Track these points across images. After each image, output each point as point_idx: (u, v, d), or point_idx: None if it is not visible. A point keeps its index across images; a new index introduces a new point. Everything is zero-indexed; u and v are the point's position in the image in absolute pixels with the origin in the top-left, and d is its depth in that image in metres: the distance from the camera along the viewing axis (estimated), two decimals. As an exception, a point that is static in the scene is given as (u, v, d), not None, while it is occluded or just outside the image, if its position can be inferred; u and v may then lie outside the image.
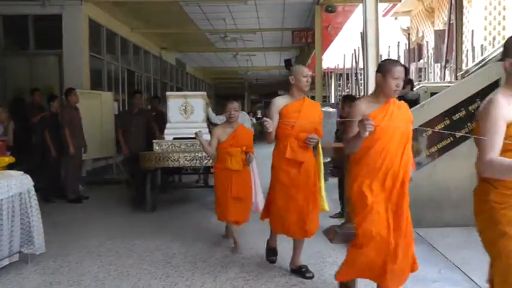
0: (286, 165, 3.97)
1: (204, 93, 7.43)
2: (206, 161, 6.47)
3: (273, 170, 4.12)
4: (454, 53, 9.80)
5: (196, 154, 6.47)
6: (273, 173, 4.11)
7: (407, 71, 8.31)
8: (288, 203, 3.96)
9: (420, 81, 12.03)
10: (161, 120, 7.84)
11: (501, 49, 8.29)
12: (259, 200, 5.09)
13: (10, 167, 4.68)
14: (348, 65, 16.06)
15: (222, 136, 4.77)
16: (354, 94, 12.88)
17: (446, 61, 10.88)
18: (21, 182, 4.34)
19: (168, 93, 7.43)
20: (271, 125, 3.87)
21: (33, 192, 4.49)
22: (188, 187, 8.93)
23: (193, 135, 6.47)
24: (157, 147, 6.81)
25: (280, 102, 4.05)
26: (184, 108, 7.04)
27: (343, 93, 15.40)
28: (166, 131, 7.06)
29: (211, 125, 7.89)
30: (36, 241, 4.45)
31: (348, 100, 6.63)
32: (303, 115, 3.96)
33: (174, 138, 6.93)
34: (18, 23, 10.03)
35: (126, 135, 7.42)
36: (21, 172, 4.51)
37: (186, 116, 7.06)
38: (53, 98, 8.02)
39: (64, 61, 9.85)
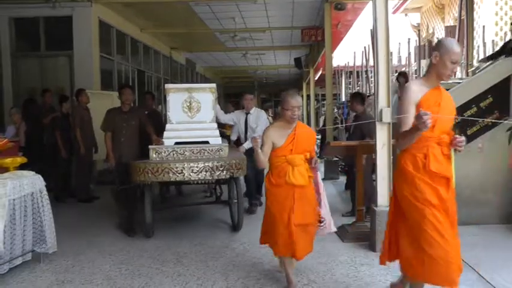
0: (432, 179, 2.89)
1: (213, 85, 5.84)
2: (219, 172, 5.08)
3: (409, 185, 2.94)
4: (465, 49, 9.70)
5: (206, 164, 5.05)
6: (408, 189, 2.94)
7: (362, 97, 6.71)
8: (437, 233, 2.86)
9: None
10: (156, 120, 6.82)
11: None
12: (328, 218, 3.95)
13: (22, 167, 4.72)
14: (358, 63, 15.98)
15: (279, 139, 3.58)
16: (363, 92, 12.79)
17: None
18: (33, 182, 4.39)
19: (167, 85, 5.79)
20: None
21: (45, 192, 4.53)
22: (194, 204, 7.26)
23: (201, 139, 5.52)
24: (154, 155, 5.33)
25: (417, 88, 2.93)
26: (188, 104, 5.57)
27: (354, 91, 15.33)
28: (166, 134, 5.57)
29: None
30: (48, 240, 4.49)
31: (358, 98, 6.60)
32: (444, 110, 2.89)
33: (176, 143, 5.49)
34: (29, 25, 10.13)
35: (116, 139, 5.88)
36: (33, 172, 4.55)
37: (191, 115, 5.60)
38: (64, 98, 8.10)
39: (75, 62, 9.92)
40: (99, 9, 10.32)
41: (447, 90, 3.16)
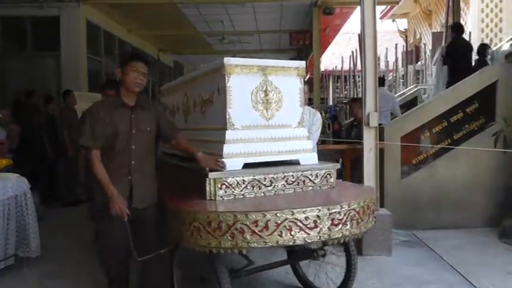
0: None
1: (301, 63, 3.42)
2: (367, 218, 2.81)
3: None
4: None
5: (352, 206, 2.73)
6: None
7: None
8: None
9: (418, 83, 12.05)
10: None
11: (498, 52, 8.33)
12: None
13: (13, 169, 4.66)
14: (346, 67, 16.08)
15: None
16: (351, 96, 12.88)
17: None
18: (17, 185, 4.33)
19: (228, 60, 3.07)
20: None
21: (29, 195, 4.48)
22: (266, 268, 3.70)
23: (285, 158, 3.22)
24: (220, 191, 2.90)
25: None
26: (263, 96, 3.18)
27: (341, 95, 15.43)
28: (226, 149, 3.01)
29: None
30: (32, 244, 4.42)
31: (359, 102, 6.54)
32: None
33: (246, 166, 3.03)
34: (16, 24, 10.01)
35: (118, 162, 2.96)
36: (17, 175, 4.49)
37: (268, 115, 3.20)
38: (50, 99, 8.02)
39: (62, 63, 9.83)
40: (86, 9, 10.24)
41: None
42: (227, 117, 3.05)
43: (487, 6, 12.39)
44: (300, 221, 2.53)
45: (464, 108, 5.71)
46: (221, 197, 2.87)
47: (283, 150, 3.21)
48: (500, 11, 12.34)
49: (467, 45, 7.72)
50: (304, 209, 2.56)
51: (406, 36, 17.85)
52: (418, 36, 16.58)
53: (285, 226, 2.51)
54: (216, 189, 2.87)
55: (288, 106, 3.27)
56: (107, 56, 11.87)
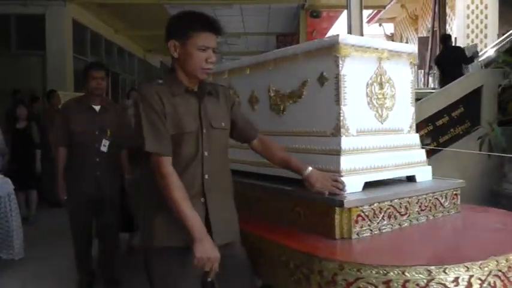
0: None
1: (414, 48, 2.52)
2: None
3: None
4: (437, 60, 9.91)
5: None
6: None
7: None
8: None
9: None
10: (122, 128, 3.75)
11: (483, 57, 8.48)
12: None
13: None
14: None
15: None
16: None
17: (430, 68, 11.02)
18: (0, 186, 4.26)
19: (343, 38, 2.06)
20: None
21: (13, 196, 4.41)
22: None
23: (402, 173, 2.39)
24: (356, 227, 1.95)
25: None
26: (379, 89, 2.23)
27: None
28: (344, 162, 2.05)
29: None
30: (15, 246, 4.36)
31: None
32: None
33: (367, 186, 2.10)
34: (0, 22, 9.87)
35: (178, 172, 1.84)
36: (2, 176, 4.43)
37: (383, 115, 2.28)
38: (36, 99, 7.93)
39: (47, 62, 9.72)
40: (73, 9, 10.15)
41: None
42: (341, 118, 2.09)
43: (472, 12, 12.57)
44: (503, 274, 1.73)
45: (450, 112, 5.77)
46: (357, 234, 1.95)
47: (400, 163, 2.33)
48: (486, 17, 12.53)
49: (457, 53, 7.83)
50: (506, 255, 1.75)
51: (393, 40, 18.03)
52: (404, 41, 16.76)
53: (489, 283, 1.70)
54: (352, 223, 1.94)
55: (400, 104, 2.39)
56: (93, 56, 11.77)
